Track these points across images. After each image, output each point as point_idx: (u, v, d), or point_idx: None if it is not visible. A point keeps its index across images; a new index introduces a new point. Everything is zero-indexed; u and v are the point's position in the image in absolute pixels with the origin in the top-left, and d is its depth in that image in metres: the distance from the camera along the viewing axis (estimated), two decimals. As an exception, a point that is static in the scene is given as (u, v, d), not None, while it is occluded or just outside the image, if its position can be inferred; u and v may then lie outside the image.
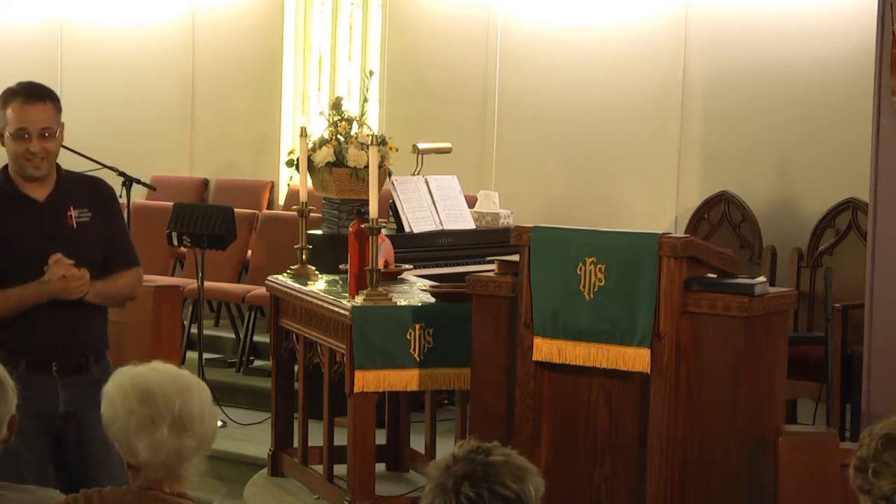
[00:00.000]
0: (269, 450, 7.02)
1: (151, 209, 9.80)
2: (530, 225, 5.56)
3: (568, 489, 5.51)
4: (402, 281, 6.77)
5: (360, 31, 10.65)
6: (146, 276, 8.10)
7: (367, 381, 6.01)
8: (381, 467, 6.60)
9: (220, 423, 7.48)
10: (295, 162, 7.55)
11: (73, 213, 4.74)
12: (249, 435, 7.93)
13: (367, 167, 7.31)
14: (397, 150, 7.86)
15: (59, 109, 4.81)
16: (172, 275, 10.02)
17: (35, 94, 4.75)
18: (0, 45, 11.84)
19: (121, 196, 8.03)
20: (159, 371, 3.26)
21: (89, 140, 10.35)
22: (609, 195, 9.40)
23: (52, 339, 4.70)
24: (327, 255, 7.37)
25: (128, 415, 3.17)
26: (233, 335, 9.61)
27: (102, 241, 4.77)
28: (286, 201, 10.51)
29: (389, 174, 7.83)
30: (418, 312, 6.06)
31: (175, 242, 8.67)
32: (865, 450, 3.19)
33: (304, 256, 6.90)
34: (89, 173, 5.19)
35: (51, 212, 4.72)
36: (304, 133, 7.10)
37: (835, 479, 5.00)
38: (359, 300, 6.05)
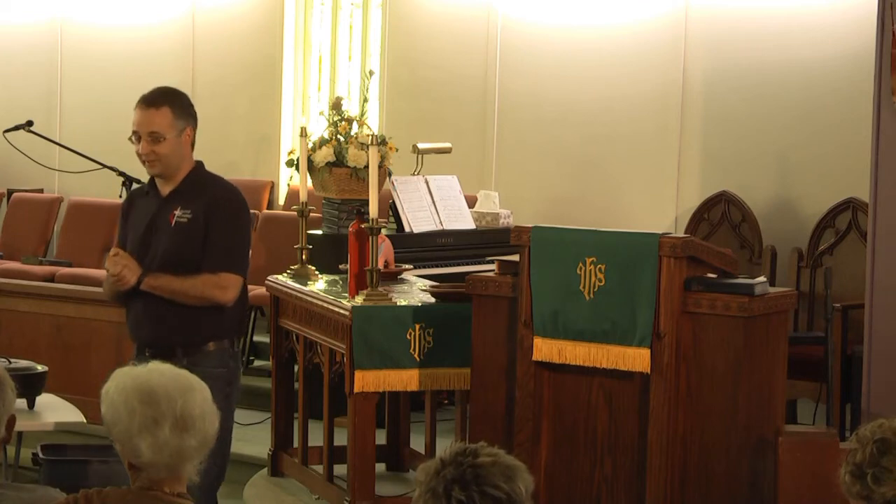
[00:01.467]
0: (269, 450, 7.03)
1: (151, 209, 9.78)
2: (530, 225, 5.56)
3: (568, 489, 5.51)
4: (402, 281, 6.77)
5: (360, 31, 10.65)
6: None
7: (367, 381, 6.01)
8: (381, 467, 6.60)
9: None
10: (295, 162, 7.55)
11: (178, 212, 5.10)
12: (249, 435, 7.93)
13: (367, 167, 7.31)
14: (397, 150, 7.86)
15: (178, 114, 5.17)
16: (172, 275, 10.01)
17: (150, 101, 5.14)
18: (0, 45, 11.84)
19: (120, 196, 8.05)
20: (160, 371, 3.26)
21: (89, 140, 10.36)
22: (609, 195, 9.40)
23: (139, 327, 5.15)
24: (327, 255, 7.37)
25: (130, 415, 3.18)
26: (233, 335, 9.60)
27: (196, 243, 5.05)
28: (286, 201, 10.51)
29: (389, 174, 7.83)
30: (418, 312, 6.06)
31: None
32: (860, 455, 3.16)
33: (304, 256, 6.90)
34: (222, 180, 5.38)
35: (163, 208, 5.14)
36: (304, 133, 7.10)
37: (835, 479, 5.00)
38: (359, 300, 6.05)
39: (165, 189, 5.18)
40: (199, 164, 5.27)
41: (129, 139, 5.17)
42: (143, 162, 5.14)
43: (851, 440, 3.25)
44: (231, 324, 5.14)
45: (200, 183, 5.20)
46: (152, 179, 5.23)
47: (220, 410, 4.86)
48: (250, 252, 5.34)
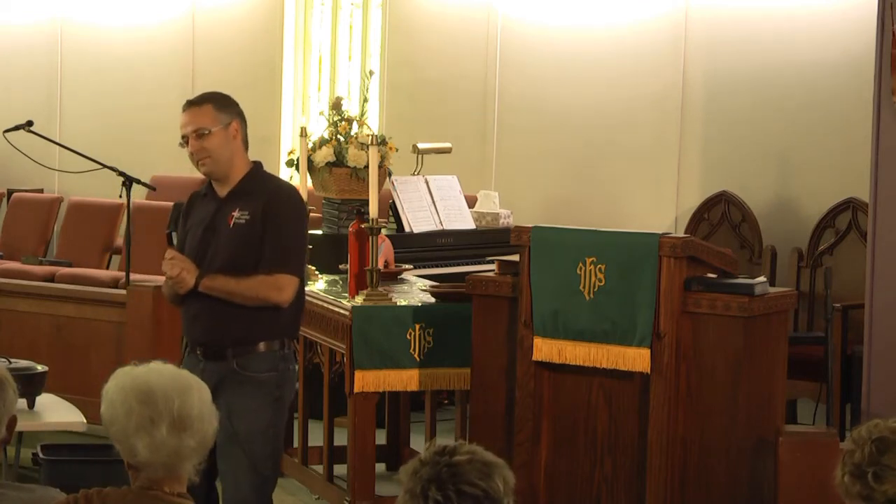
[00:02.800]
0: (269, 450, 7.02)
1: (151, 209, 9.79)
2: (530, 225, 5.56)
3: (568, 489, 5.51)
4: (402, 281, 6.77)
5: (360, 31, 10.65)
6: (146, 276, 8.19)
7: (367, 381, 6.01)
8: (381, 467, 6.60)
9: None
10: (295, 162, 7.55)
11: (236, 213, 5.08)
12: (249, 435, 7.92)
13: (367, 167, 7.30)
14: (397, 150, 7.86)
15: (220, 108, 5.19)
16: (172, 275, 10.00)
17: (192, 101, 5.21)
18: (0, 45, 11.85)
19: (120, 196, 8.06)
20: (159, 371, 3.26)
21: (89, 140, 10.36)
22: (609, 195, 9.40)
23: (193, 326, 5.14)
24: (327, 255, 7.36)
25: (127, 415, 3.18)
26: (233, 335, 9.59)
27: (255, 244, 5.03)
28: (286, 201, 10.50)
29: (389, 174, 7.83)
30: (418, 312, 6.06)
31: (175, 242, 8.66)
32: (858, 455, 3.15)
33: (304, 256, 6.89)
34: (280, 180, 5.43)
35: (221, 209, 5.12)
36: (304, 133, 7.10)
37: (834, 480, 5.00)
38: (359, 300, 6.05)
39: (223, 190, 5.15)
40: (257, 165, 5.23)
41: (179, 145, 5.20)
42: (195, 163, 5.15)
43: (847, 442, 3.24)
44: (284, 325, 5.09)
45: (258, 183, 5.16)
46: (210, 182, 5.21)
47: (272, 414, 4.97)
48: (307, 252, 5.34)
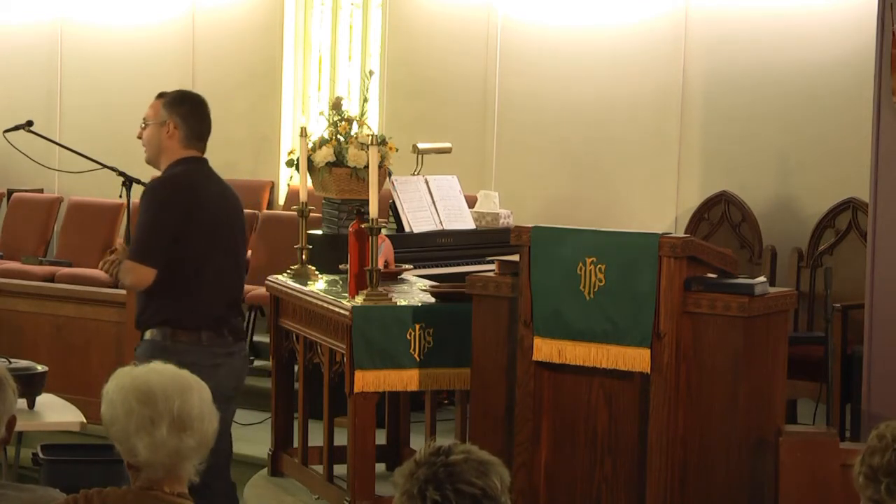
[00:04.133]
0: (269, 450, 7.03)
1: (151, 209, 9.78)
2: (530, 225, 5.56)
3: (568, 489, 5.51)
4: (402, 281, 6.77)
5: (360, 31, 10.65)
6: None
7: (367, 381, 6.01)
8: (381, 467, 6.60)
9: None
10: (295, 162, 7.55)
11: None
12: (249, 435, 7.93)
13: (367, 167, 7.30)
14: (397, 150, 7.86)
15: (165, 107, 5.52)
16: (172, 275, 10.01)
17: (158, 94, 5.63)
18: (0, 45, 11.84)
19: (120, 196, 8.06)
20: (159, 371, 3.26)
21: (89, 140, 10.36)
22: (609, 195, 9.40)
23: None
24: (327, 255, 7.36)
25: (127, 415, 3.18)
26: (233, 335, 9.59)
27: None
28: (286, 201, 10.51)
29: (389, 174, 7.83)
30: (418, 312, 6.06)
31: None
32: (878, 459, 3.10)
33: (304, 256, 6.90)
34: (169, 173, 5.62)
35: None
36: (304, 133, 7.10)
37: (835, 479, 5.00)
38: (359, 300, 6.05)
39: None
40: (179, 161, 5.49)
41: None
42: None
43: (872, 436, 3.17)
44: (165, 315, 5.35)
45: (157, 178, 5.60)
46: None
47: None
48: (167, 238, 5.41)
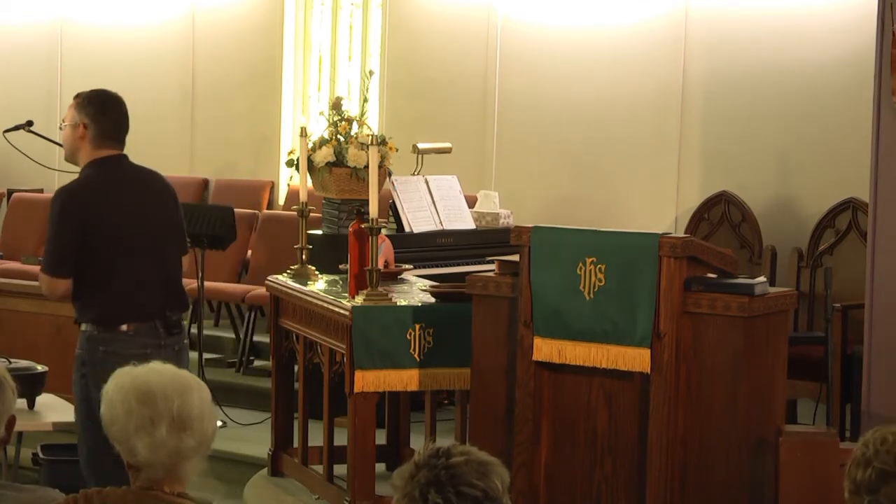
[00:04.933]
0: (269, 450, 7.02)
1: (151, 209, 9.78)
2: (530, 225, 5.56)
3: (568, 489, 5.51)
4: (402, 281, 6.77)
5: (360, 31, 10.65)
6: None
7: (367, 381, 6.00)
8: (381, 467, 6.60)
9: (220, 423, 7.47)
10: (295, 162, 7.55)
11: None
12: (249, 435, 7.93)
13: (367, 167, 7.30)
14: (397, 150, 7.86)
15: (77, 109, 5.68)
16: (172, 275, 10.01)
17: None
18: (0, 45, 11.84)
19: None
20: (159, 371, 3.26)
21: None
22: (609, 195, 9.40)
23: None
24: (327, 255, 7.36)
25: (127, 415, 3.17)
26: (233, 335, 9.61)
27: None
28: (286, 201, 10.51)
29: (389, 174, 7.83)
30: (418, 312, 6.06)
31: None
32: (861, 475, 3.08)
33: (304, 256, 6.90)
34: (74, 180, 5.76)
35: None
36: (304, 133, 7.10)
37: (835, 479, 4.99)
38: (359, 300, 6.05)
39: None
40: (91, 162, 5.64)
41: None
42: None
43: (859, 444, 3.15)
44: (92, 312, 5.58)
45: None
46: None
47: (79, 389, 5.58)
48: (71, 244, 5.56)
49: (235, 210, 8.79)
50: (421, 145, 8.33)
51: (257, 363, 9.23)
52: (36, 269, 9.85)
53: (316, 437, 6.77)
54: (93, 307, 5.58)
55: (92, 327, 5.58)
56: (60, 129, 5.77)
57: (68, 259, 5.53)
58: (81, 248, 5.52)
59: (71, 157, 5.72)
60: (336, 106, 7.95)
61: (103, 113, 5.63)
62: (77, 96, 5.71)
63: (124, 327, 5.56)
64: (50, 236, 5.58)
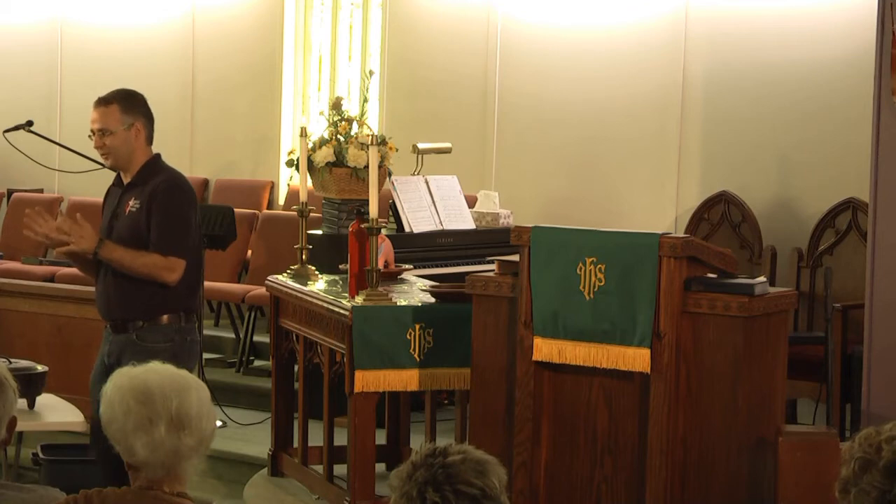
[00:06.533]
0: (269, 450, 7.02)
1: (151, 209, 9.78)
2: (530, 225, 5.56)
3: (568, 489, 5.51)
4: (402, 281, 6.77)
5: (360, 31, 10.65)
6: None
7: (367, 381, 6.01)
8: (381, 467, 6.60)
9: (219, 423, 7.49)
10: (295, 162, 7.55)
11: (131, 202, 5.67)
12: (249, 435, 7.93)
13: (367, 167, 7.30)
14: (397, 150, 7.86)
15: (126, 110, 5.71)
16: (172, 275, 10.01)
17: (101, 99, 5.72)
18: (0, 45, 11.84)
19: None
20: (157, 371, 3.26)
21: (89, 140, 10.35)
22: (609, 195, 9.40)
23: (98, 302, 5.80)
24: (327, 255, 7.36)
25: (125, 414, 3.18)
26: (233, 335, 9.61)
27: (142, 230, 5.61)
28: (286, 201, 10.51)
29: (389, 174, 7.83)
30: (418, 312, 6.06)
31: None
32: (846, 471, 3.11)
33: (304, 256, 6.90)
34: (169, 171, 5.83)
35: (122, 198, 5.73)
36: (304, 133, 7.10)
37: (834, 479, 4.99)
38: (359, 300, 6.05)
39: (126, 180, 5.76)
40: (155, 157, 5.77)
41: (88, 136, 5.79)
42: (102, 155, 5.77)
43: (845, 447, 3.19)
44: (181, 300, 5.67)
45: (150, 174, 5.71)
46: (118, 173, 5.82)
47: None
48: (195, 233, 5.78)
49: (235, 210, 8.79)
50: (421, 145, 8.33)
51: (257, 363, 9.23)
52: (36, 269, 9.90)
53: (316, 437, 6.77)
54: (185, 297, 5.69)
55: (175, 318, 5.65)
56: (91, 136, 5.72)
57: (194, 244, 5.71)
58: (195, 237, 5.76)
59: (125, 160, 5.71)
60: (336, 106, 7.94)
61: (149, 110, 5.81)
62: (112, 101, 5.70)
63: (194, 317, 5.77)
64: (170, 217, 5.62)
